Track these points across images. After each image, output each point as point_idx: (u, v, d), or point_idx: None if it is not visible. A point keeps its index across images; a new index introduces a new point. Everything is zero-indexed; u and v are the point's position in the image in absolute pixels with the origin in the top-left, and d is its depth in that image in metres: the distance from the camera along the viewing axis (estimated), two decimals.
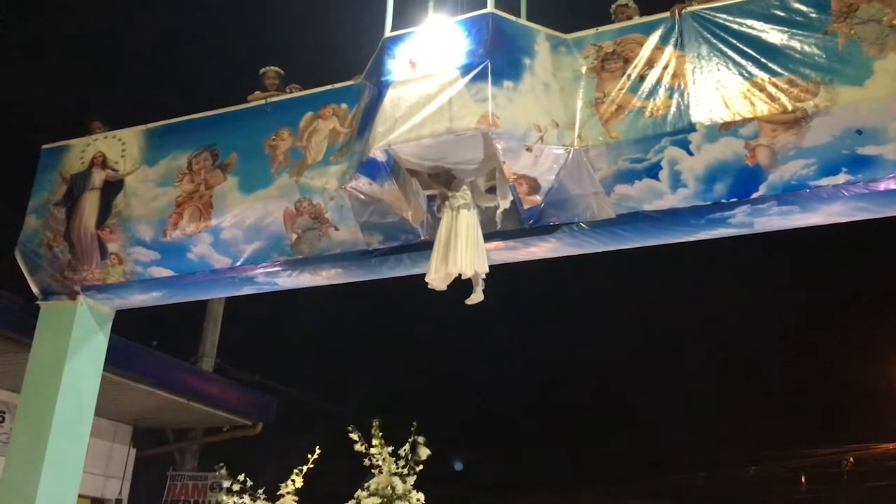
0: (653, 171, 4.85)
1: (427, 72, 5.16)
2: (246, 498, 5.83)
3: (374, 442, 5.49)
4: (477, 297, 5.40)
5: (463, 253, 5.13)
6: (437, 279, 5.25)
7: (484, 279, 5.41)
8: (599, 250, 5.54)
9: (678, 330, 18.29)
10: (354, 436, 5.55)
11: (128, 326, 7.96)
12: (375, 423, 5.53)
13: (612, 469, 17.42)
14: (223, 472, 5.92)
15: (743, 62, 4.63)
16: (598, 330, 18.28)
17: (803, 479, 16.63)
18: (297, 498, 5.84)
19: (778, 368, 18.52)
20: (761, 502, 17.69)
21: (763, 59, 4.60)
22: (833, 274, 17.36)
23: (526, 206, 5.22)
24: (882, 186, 4.50)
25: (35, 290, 6.67)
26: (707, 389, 18.47)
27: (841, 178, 4.50)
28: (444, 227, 5.26)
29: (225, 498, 5.89)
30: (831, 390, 17.23)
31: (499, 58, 5.00)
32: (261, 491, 5.86)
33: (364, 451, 5.51)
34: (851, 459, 15.65)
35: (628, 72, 4.91)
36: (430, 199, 5.62)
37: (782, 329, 18.32)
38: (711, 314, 18.10)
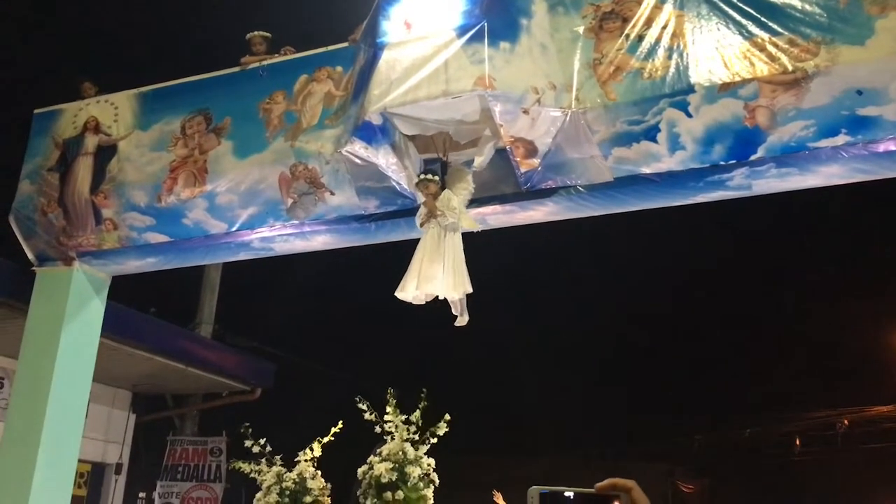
0: (651, 134, 4.79)
1: (423, 33, 5.08)
2: (263, 463, 5.89)
3: (389, 409, 5.54)
4: (465, 318, 5.36)
5: (451, 277, 5.08)
6: (413, 297, 5.19)
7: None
8: (597, 214, 5.50)
9: (671, 290, 18.34)
10: (363, 405, 5.59)
11: (126, 293, 7.96)
12: (390, 391, 5.58)
13: (607, 432, 17.58)
14: (247, 432, 5.96)
15: (743, 21, 4.55)
16: (595, 293, 18.32)
17: (798, 442, 16.83)
18: (313, 464, 5.91)
19: (772, 331, 18.60)
20: (756, 465, 17.89)
21: (763, 19, 4.52)
22: (827, 237, 17.36)
23: (523, 170, 5.17)
24: (881, 148, 4.45)
25: (30, 256, 6.65)
26: (703, 352, 18.59)
27: (840, 139, 4.45)
28: (431, 246, 5.15)
29: (241, 464, 5.95)
30: (826, 353, 17.33)
31: (495, 18, 4.91)
32: (278, 457, 5.91)
33: (374, 419, 5.56)
34: (846, 422, 15.83)
35: (626, 31, 4.82)
36: (427, 162, 5.58)
37: (777, 292, 18.37)
38: (705, 274, 18.13)
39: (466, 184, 5.33)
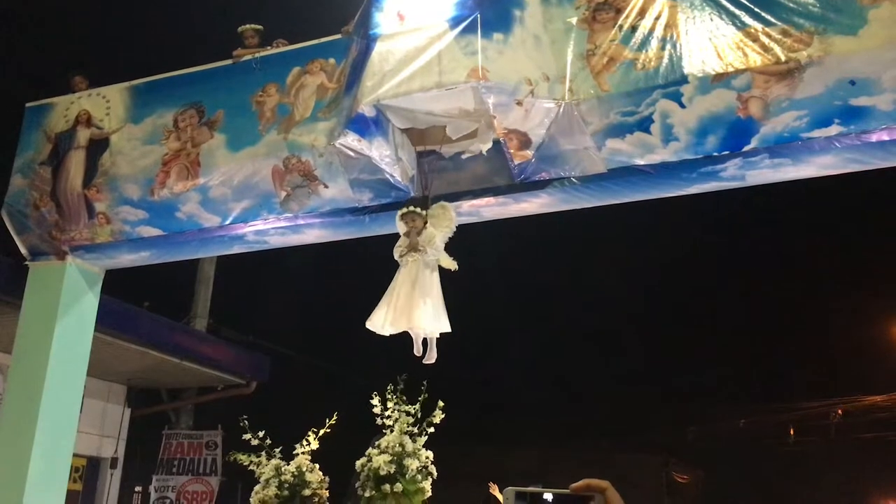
0: (644, 125, 4.78)
1: (416, 24, 5.06)
2: (262, 455, 5.92)
3: (389, 405, 5.56)
4: (433, 356, 5.23)
5: (432, 313, 5.00)
6: (384, 329, 5.08)
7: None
8: (591, 205, 5.50)
9: (665, 282, 18.39)
10: (375, 401, 5.61)
11: (120, 288, 7.95)
12: (390, 386, 5.59)
13: (602, 424, 17.63)
14: (245, 425, 6.00)
15: (736, 12, 4.54)
16: (589, 284, 18.35)
17: (792, 432, 16.89)
18: (310, 457, 5.94)
19: (767, 323, 18.67)
20: (751, 455, 17.97)
21: (756, 9, 4.51)
22: (823, 229, 17.41)
23: (517, 162, 5.17)
24: (874, 138, 4.45)
25: (23, 250, 6.62)
26: (697, 344, 18.65)
27: (833, 129, 4.45)
28: (409, 280, 5.03)
29: (241, 455, 5.97)
30: (820, 344, 17.40)
31: (488, 10, 4.90)
32: (278, 450, 5.94)
33: (380, 412, 5.59)
34: (840, 412, 15.89)
35: (620, 22, 4.81)
36: (420, 154, 5.57)
37: (772, 283, 18.43)
38: (700, 265, 18.18)
39: (449, 220, 5.25)
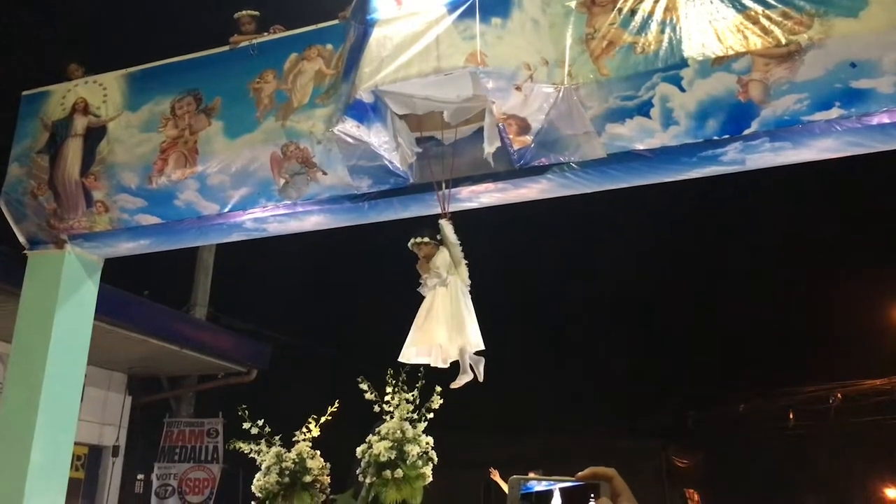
0: (644, 109, 4.76)
1: (413, 9, 5.04)
2: (262, 444, 5.94)
3: (388, 389, 5.57)
4: (465, 378, 5.27)
5: (471, 330, 5.07)
6: (418, 357, 5.17)
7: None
8: (590, 190, 5.48)
9: (664, 266, 18.37)
10: (364, 386, 5.62)
11: (120, 276, 7.94)
12: (390, 371, 5.60)
13: (601, 409, 17.66)
14: (245, 414, 6.03)
15: None
16: (586, 268, 18.34)
17: (791, 416, 16.91)
18: (311, 444, 5.96)
19: (765, 305, 18.67)
20: (750, 439, 18.01)
21: None
22: (820, 212, 17.39)
23: (516, 147, 5.14)
24: (875, 121, 4.43)
25: (21, 239, 6.61)
26: (696, 327, 18.66)
27: (834, 112, 4.43)
28: (434, 308, 5.11)
29: (241, 444, 5.99)
30: (819, 327, 17.40)
31: None
32: (277, 438, 5.96)
33: (375, 399, 5.60)
34: (839, 396, 15.90)
35: (619, 5, 4.78)
36: (419, 141, 5.55)
37: (771, 266, 18.42)
38: (697, 249, 18.16)
39: (447, 237, 5.26)
